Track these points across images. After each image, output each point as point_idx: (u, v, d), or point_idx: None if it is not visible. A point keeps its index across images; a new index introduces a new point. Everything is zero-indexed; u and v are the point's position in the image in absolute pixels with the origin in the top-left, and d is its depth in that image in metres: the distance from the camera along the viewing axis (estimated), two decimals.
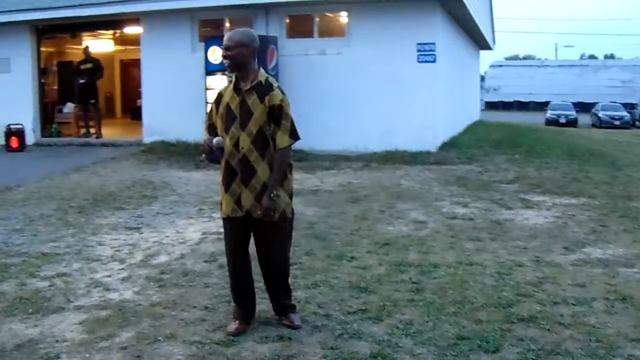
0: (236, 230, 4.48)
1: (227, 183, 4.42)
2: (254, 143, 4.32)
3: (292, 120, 4.41)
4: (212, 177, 10.26)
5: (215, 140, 4.34)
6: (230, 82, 4.52)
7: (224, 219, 4.55)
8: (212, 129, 4.53)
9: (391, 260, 6.15)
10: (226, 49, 4.36)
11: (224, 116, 4.42)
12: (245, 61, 4.36)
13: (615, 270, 5.87)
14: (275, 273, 4.60)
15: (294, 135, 4.42)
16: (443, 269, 5.84)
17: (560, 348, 4.16)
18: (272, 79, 4.49)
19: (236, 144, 4.33)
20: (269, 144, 4.36)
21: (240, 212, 4.40)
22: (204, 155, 4.45)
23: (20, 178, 10.87)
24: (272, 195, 4.31)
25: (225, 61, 4.41)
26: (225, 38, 4.41)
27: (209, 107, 4.76)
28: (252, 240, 4.57)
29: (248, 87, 4.36)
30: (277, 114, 4.34)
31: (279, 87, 4.44)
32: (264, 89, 4.36)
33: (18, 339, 4.43)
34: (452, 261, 6.10)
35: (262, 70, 4.48)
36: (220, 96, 4.53)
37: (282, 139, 4.35)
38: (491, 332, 4.40)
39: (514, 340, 4.28)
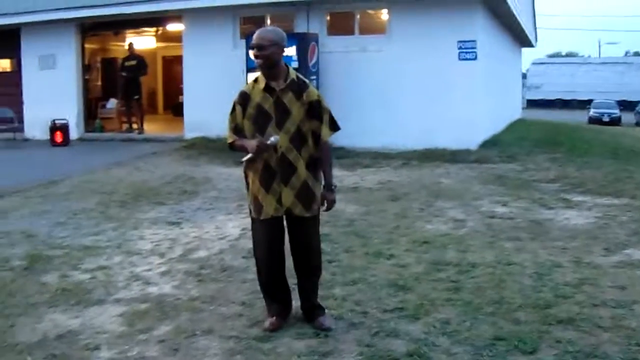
0: (276, 229, 4.48)
1: (267, 183, 4.40)
2: (292, 141, 4.35)
3: (330, 112, 4.47)
4: None
5: (273, 138, 4.27)
6: (255, 81, 4.45)
7: (263, 220, 4.47)
8: (237, 130, 4.45)
9: (429, 258, 6.12)
10: (260, 48, 4.25)
11: (253, 117, 4.38)
12: (278, 60, 4.32)
13: None
14: (314, 268, 4.63)
15: (335, 127, 4.49)
16: (481, 269, 5.80)
17: (599, 351, 4.10)
18: (301, 76, 4.50)
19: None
20: (306, 142, 4.39)
21: (281, 211, 4.44)
22: (251, 155, 4.32)
23: (64, 172, 11.09)
24: (332, 187, 4.49)
25: (258, 61, 4.27)
26: (256, 37, 4.28)
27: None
28: None
29: (283, 86, 4.35)
30: (318, 109, 4.40)
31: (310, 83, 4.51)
32: (299, 87, 4.38)
33: (59, 329, 4.55)
34: (491, 261, 6.05)
35: (290, 67, 4.47)
36: (246, 96, 4.42)
37: (325, 132, 4.43)
38: (528, 333, 4.36)
39: (552, 342, 4.23)
